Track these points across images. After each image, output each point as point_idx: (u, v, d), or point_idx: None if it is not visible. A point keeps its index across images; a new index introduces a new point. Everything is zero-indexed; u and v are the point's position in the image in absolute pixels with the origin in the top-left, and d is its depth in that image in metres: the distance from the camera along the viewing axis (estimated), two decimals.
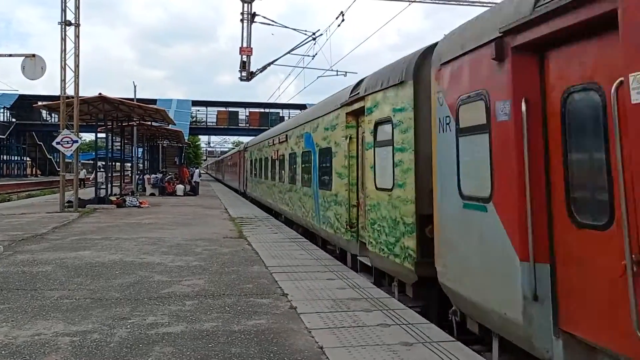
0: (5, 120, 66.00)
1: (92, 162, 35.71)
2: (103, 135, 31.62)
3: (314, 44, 23.16)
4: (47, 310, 6.65)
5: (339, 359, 5.03)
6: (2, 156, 70.83)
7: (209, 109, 73.98)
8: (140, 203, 23.79)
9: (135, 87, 47.16)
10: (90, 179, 31.56)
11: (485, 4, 18.82)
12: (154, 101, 60.31)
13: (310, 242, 12.98)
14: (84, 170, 39.69)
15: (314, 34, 22.77)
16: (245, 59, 23.77)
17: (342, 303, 7.06)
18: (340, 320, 6.24)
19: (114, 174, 32.36)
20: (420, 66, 7.18)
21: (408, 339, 5.59)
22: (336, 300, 7.19)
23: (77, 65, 20.74)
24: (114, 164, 36.04)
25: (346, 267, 9.96)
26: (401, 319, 6.33)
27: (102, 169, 29.93)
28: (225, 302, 7.10)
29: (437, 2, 21.38)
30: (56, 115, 28.80)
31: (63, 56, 20.62)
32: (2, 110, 64.68)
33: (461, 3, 21.37)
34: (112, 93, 28.47)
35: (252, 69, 24.60)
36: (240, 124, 72.65)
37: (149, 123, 32.12)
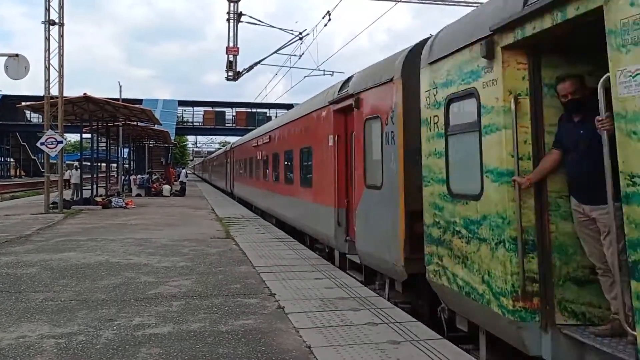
0: None
1: (76, 162, 34.23)
2: (88, 135, 31.38)
3: (301, 43, 23.15)
4: (31, 313, 6.57)
5: (327, 358, 5.03)
6: None
7: (196, 109, 73.69)
8: (126, 204, 23.62)
9: (120, 87, 46.59)
10: (71, 180, 27.98)
11: (470, 4, 18.93)
12: (139, 101, 59.93)
13: (298, 242, 12.94)
14: (69, 171, 39.23)
15: (300, 33, 22.78)
16: (231, 59, 23.71)
17: (330, 302, 7.06)
18: (328, 320, 6.24)
19: (99, 175, 31.98)
20: None
21: (396, 337, 5.60)
22: (324, 300, 7.19)
23: (61, 65, 20.54)
24: (99, 164, 35.74)
25: (334, 266, 9.96)
26: (389, 317, 6.34)
27: (78, 168, 27.78)
28: (212, 303, 7.07)
29: (423, 1, 21.46)
30: (40, 116, 28.41)
31: (47, 56, 20.40)
32: None
33: (447, 3, 21.47)
34: (98, 93, 28.25)
35: (239, 68, 24.54)
36: (227, 124, 72.47)
37: (135, 123, 31.86)
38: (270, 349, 5.29)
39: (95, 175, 28.74)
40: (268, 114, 69.88)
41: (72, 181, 26.39)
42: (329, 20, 19.43)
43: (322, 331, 5.81)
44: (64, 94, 20.83)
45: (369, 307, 6.80)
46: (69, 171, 37.21)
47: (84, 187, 24.99)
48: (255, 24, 23.10)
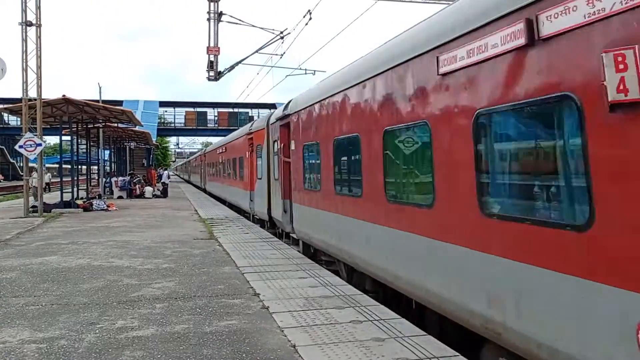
0: None
1: (57, 165, 33.33)
2: (68, 138, 31.01)
3: (282, 42, 23.09)
4: (12, 318, 6.48)
5: (312, 357, 5.03)
6: None
7: (177, 109, 73.23)
8: (108, 206, 23.38)
9: (100, 88, 46.10)
10: (32, 184, 23.78)
11: (448, 2, 19.04)
12: (120, 102, 59.34)
13: (282, 242, 12.96)
14: (49, 174, 38.62)
15: (281, 32, 22.70)
16: (212, 59, 23.57)
17: (315, 301, 7.07)
18: (312, 319, 6.25)
19: (79, 177, 31.55)
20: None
21: (380, 334, 5.63)
22: (308, 299, 7.19)
23: (39, 67, 20.23)
24: (80, 167, 35.29)
25: (319, 265, 9.97)
26: (373, 315, 6.37)
27: (45, 169, 25.42)
28: (196, 304, 7.04)
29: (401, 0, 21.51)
30: (18, 118, 27.91)
31: (24, 57, 20.10)
32: None
33: (427, 1, 21.57)
34: (77, 94, 27.75)
35: (223, 67, 24.41)
36: (208, 124, 72.13)
37: (115, 125, 31.55)
38: (255, 348, 5.28)
39: (75, 178, 28.47)
40: (250, 114, 69.80)
41: (35, 184, 23.99)
42: (310, 19, 19.40)
43: (307, 330, 5.82)
44: (43, 96, 20.53)
45: (353, 305, 6.82)
46: (48, 174, 36.54)
47: (64, 190, 24.52)
48: (236, 23, 23.00)
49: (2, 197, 41.01)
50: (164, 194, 33.36)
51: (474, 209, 4.98)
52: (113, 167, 46.25)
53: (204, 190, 39.59)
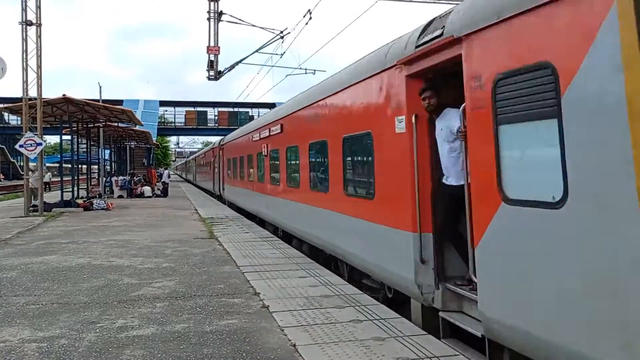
0: None
1: (57, 164, 33.57)
2: (68, 137, 31.05)
3: (282, 42, 23.12)
4: (12, 317, 6.48)
5: (313, 356, 5.03)
6: None
7: (178, 109, 73.30)
8: (108, 205, 23.38)
9: (100, 87, 46.25)
10: (30, 182, 21.27)
11: (449, 1, 19.03)
12: (120, 102, 59.38)
13: (283, 241, 12.94)
14: (49, 173, 38.67)
15: (281, 32, 22.72)
16: (212, 58, 23.62)
17: (315, 300, 7.07)
18: (312, 318, 6.25)
19: (80, 176, 31.56)
20: None
21: (380, 333, 5.63)
22: (308, 298, 7.19)
23: (39, 66, 20.24)
24: (80, 166, 35.34)
25: (318, 264, 9.97)
26: (373, 314, 6.37)
27: (34, 171, 22.29)
28: (196, 303, 7.04)
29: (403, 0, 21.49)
30: (19, 118, 27.93)
31: (24, 57, 20.11)
32: None
33: (427, 1, 21.55)
34: (78, 93, 27.74)
35: (224, 66, 24.46)
36: (209, 124, 72.19)
37: (116, 124, 31.57)
38: (255, 348, 5.28)
39: (75, 177, 28.48)
40: (250, 113, 69.85)
41: (34, 184, 21.97)
42: (310, 18, 19.41)
43: (307, 329, 5.82)
44: (43, 95, 20.54)
45: (353, 305, 6.82)
46: (49, 173, 36.51)
47: (65, 190, 24.55)
48: (236, 23, 23.02)
49: (2, 197, 41.03)
50: (164, 193, 33.36)
51: None
52: (113, 167, 46.31)
53: (219, 198, 29.43)
